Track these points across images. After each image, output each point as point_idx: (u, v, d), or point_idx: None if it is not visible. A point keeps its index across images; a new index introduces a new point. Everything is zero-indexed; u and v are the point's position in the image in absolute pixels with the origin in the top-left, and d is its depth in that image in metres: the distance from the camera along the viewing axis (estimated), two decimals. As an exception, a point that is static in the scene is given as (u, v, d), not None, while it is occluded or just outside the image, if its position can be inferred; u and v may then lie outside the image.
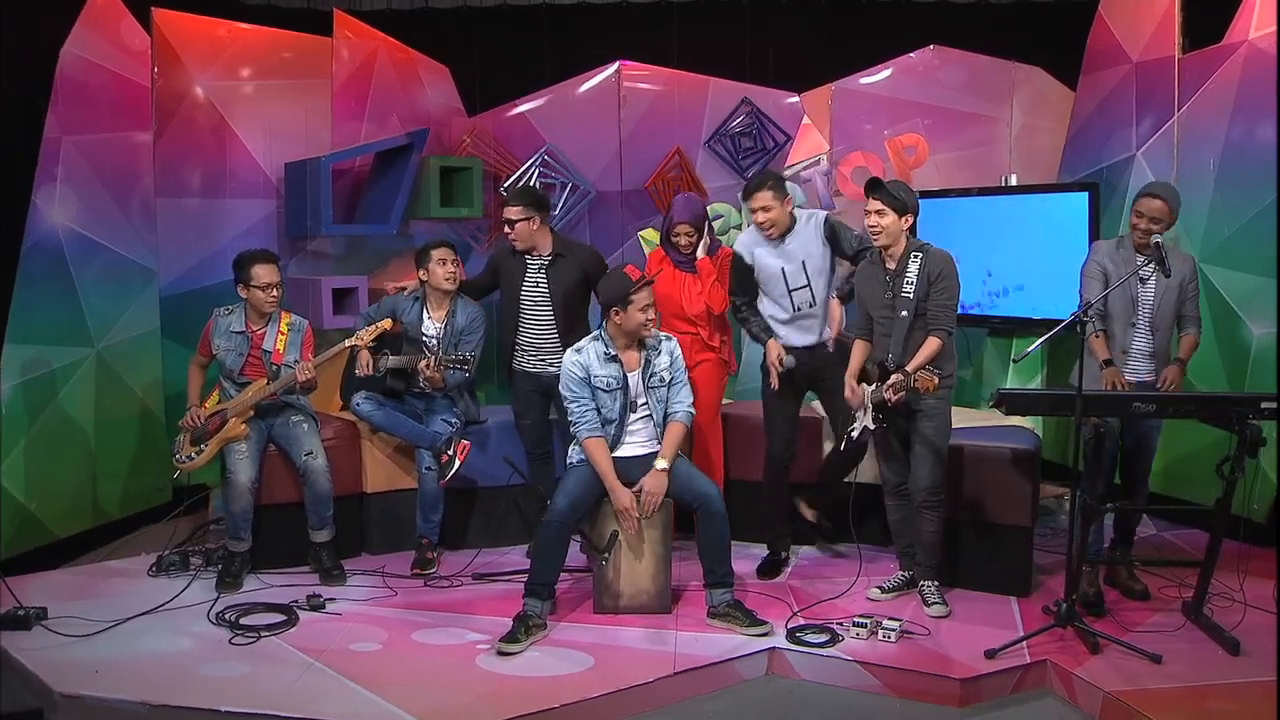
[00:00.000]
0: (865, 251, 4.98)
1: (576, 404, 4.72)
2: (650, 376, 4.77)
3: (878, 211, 4.66)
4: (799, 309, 5.15)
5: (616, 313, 4.65)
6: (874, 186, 4.70)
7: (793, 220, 5.14)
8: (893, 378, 4.54)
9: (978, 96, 6.98)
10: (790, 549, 5.49)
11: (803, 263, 5.10)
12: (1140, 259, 4.76)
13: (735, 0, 7.84)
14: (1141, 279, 4.77)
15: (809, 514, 5.43)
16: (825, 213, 5.26)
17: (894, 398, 4.53)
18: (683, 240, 5.33)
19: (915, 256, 4.68)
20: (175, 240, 6.24)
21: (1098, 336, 4.78)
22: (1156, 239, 4.62)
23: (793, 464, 5.36)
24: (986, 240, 6.28)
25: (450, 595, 5.08)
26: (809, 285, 5.11)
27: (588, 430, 4.70)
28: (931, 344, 4.62)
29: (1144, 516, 6.05)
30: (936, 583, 4.87)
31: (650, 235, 7.05)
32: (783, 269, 5.13)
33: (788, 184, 6.76)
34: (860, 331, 4.92)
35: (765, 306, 5.24)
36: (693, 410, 4.85)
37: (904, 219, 4.67)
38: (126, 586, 5.09)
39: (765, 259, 5.17)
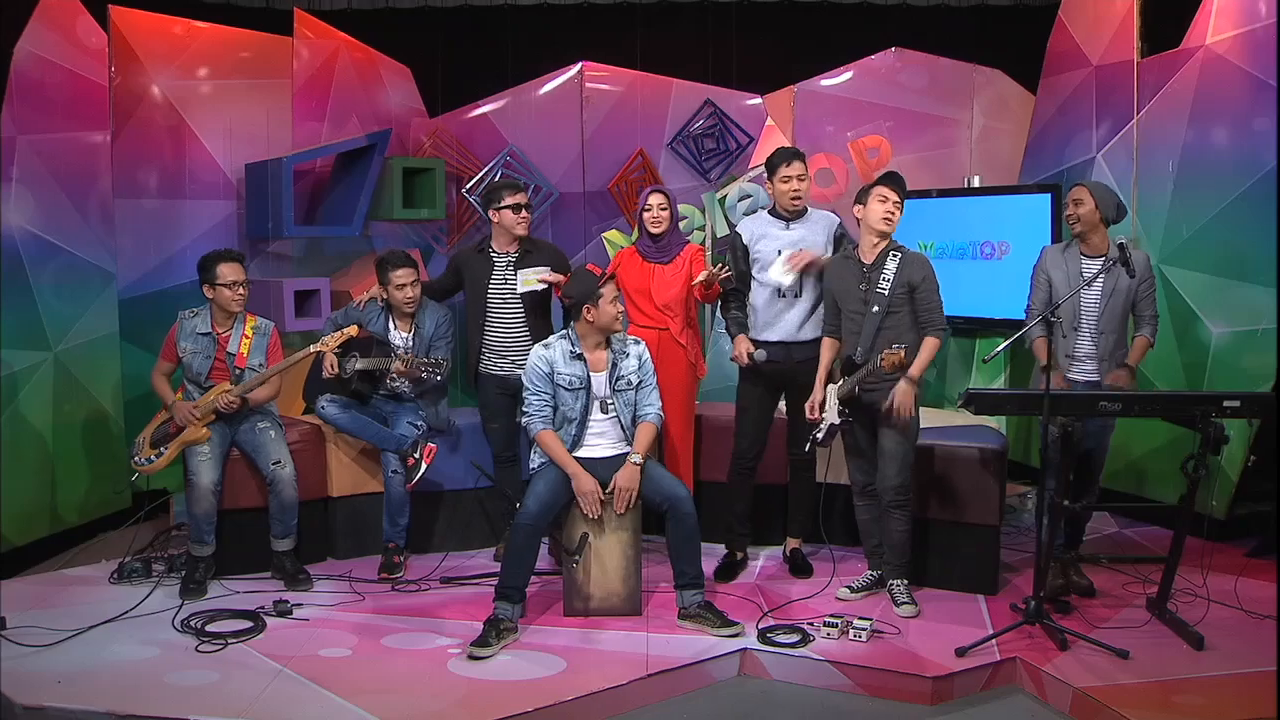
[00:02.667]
0: None
1: (535, 395, 4.72)
2: (617, 379, 4.77)
3: (896, 203, 4.73)
4: (783, 295, 5.10)
5: (588, 310, 4.64)
6: (895, 179, 4.76)
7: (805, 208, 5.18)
8: (881, 356, 4.56)
9: (939, 99, 7.05)
10: (748, 551, 5.46)
11: (801, 250, 5.09)
12: (1086, 263, 4.88)
13: (698, 2, 7.86)
14: (1088, 283, 4.85)
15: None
16: (839, 218, 5.24)
17: (889, 363, 4.53)
18: (654, 213, 5.25)
19: (894, 255, 4.72)
20: (134, 242, 6.16)
21: (1040, 339, 4.96)
22: (1121, 239, 4.68)
23: (758, 465, 5.34)
24: (950, 240, 6.33)
25: (419, 599, 5.03)
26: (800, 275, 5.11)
27: (541, 423, 4.72)
28: (930, 344, 4.69)
29: (1103, 514, 6.16)
30: (906, 582, 4.89)
31: (615, 237, 7.04)
32: (779, 250, 5.11)
33: (751, 184, 6.83)
34: (829, 329, 4.95)
35: (751, 294, 5.22)
36: (662, 412, 4.86)
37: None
38: (87, 594, 4.99)
39: (766, 241, 5.16)
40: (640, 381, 4.81)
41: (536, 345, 4.82)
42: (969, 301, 6.30)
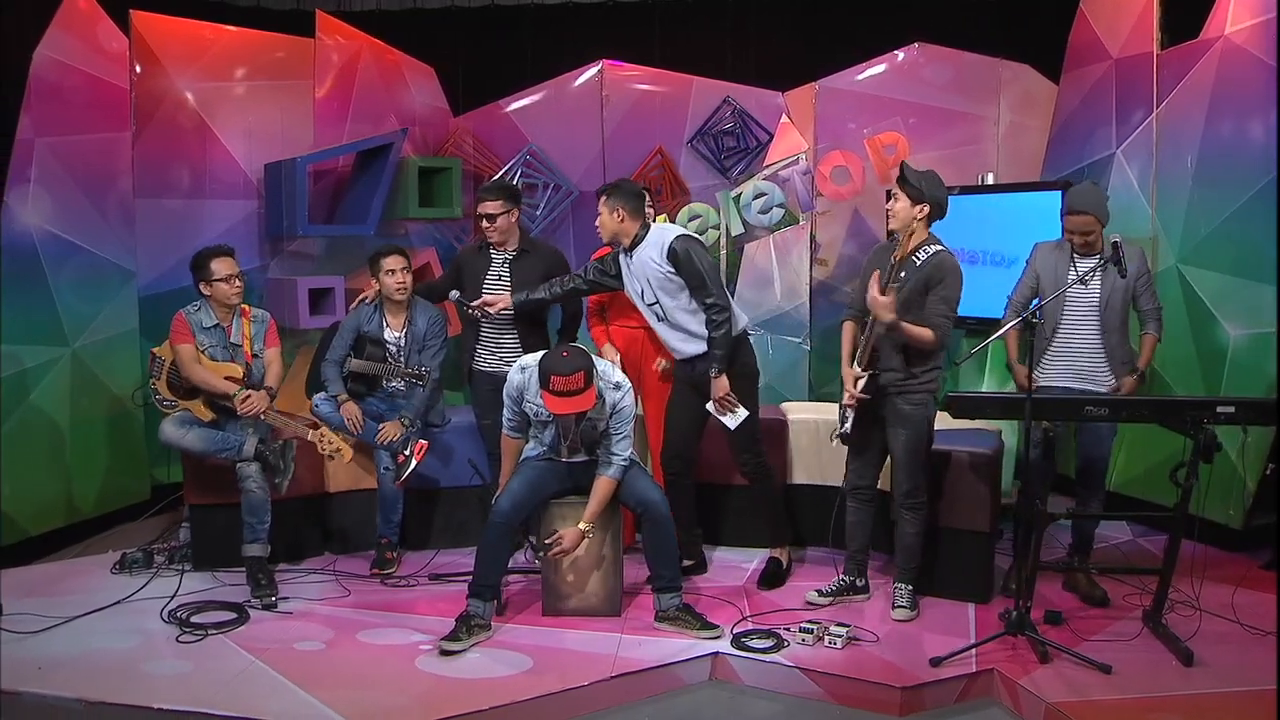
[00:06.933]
0: (709, 299, 4.74)
1: (509, 411, 4.70)
2: (584, 420, 4.60)
3: (894, 195, 4.65)
4: (660, 318, 4.93)
5: None
6: (900, 171, 4.65)
7: (643, 231, 4.90)
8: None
9: (964, 94, 6.89)
10: (703, 553, 5.39)
11: (648, 280, 4.87)
12: (1079, 262, 4.79)
13: (719, -1, 7.81)
14: (1084, 281, 4.72)
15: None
16: (677, 236, 4.82)
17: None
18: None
19: (927, 251, 4.59)
20: (155, 240, 6.29)
21: (1015, 330, 4.87)
22: (1115, 238, 4.54)
23: (690, 467, 5.17)
24: (964, 238, 6.17)
25: (402, 595, 5.07)
26: (659, 302, 4.89)
27: (507, 431, 4.73)
28: (924, 333, 4.52)
29: (1121, 523, 5.98)
30: (910, 588, 4.76)
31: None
32: (633, 285, 4.97)
33: (766, 183, 6.71)
34: (852, 313, 4.84)
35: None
36: (626, 463, 4.61)
37: (917, 207, 4.58)
38: (86, 584, 5.12)
39: (625, 272, 5.02)
40: (609, 429, 4.58)
41: (515, 366, 4.68)
42: (978, 302, 6.14)
